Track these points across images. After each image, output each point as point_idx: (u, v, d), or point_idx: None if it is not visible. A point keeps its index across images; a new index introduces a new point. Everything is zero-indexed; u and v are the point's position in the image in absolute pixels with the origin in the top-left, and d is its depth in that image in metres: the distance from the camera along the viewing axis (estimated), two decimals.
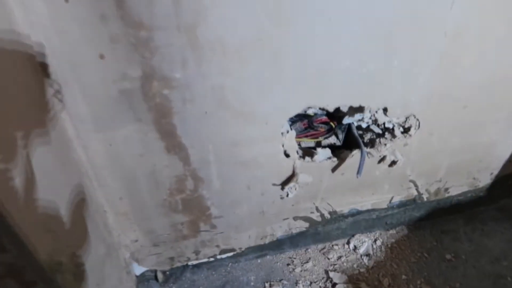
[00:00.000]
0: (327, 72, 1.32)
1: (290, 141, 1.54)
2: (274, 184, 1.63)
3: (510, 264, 1.83)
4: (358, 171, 1.51)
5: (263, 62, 1.24)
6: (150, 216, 1.60)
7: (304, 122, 1.71)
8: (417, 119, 1.57)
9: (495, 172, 1.95)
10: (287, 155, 1.55)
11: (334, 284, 1.80)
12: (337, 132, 1.77)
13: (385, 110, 1.51)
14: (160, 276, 1.87)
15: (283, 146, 1.53)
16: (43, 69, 1.11)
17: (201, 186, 1.54)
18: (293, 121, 1.73)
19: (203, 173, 1.50)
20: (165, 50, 1.15)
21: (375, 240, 2.00)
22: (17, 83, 0.99)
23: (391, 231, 2.05)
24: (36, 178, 0.99)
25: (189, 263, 1.87)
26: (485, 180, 1.98)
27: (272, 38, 1.19)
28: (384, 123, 1.60)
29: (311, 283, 1.83)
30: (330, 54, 1.28)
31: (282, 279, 1.85)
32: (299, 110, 1.41)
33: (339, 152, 1.68)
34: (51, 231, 1.04)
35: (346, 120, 1.62)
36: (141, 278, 1.86)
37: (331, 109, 1.45)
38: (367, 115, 1.53)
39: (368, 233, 2.03)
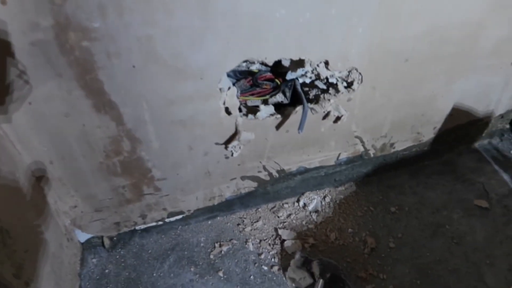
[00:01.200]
0: (262, 21, 1.26)
1: (232, 98, 1.49)
2: (217, 143, 1.59)
3: (449, 213, 1.92)
4: (300, 127, 1.49)
5: (191, 10, 1.16)
6: (87, 180, 1.53)
7: (248, 79, 1.66)
8: (359, 73, 1.56)
9: (438, 126, 2.00)
10: (229, 113, 1.51)
11: (283, 241, 1.83)
12: (284, 90, 1.73)
13: (326, 63, 1.48)
14: (107, 242, 1.82)
15: (224, 103, 1.47)
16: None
17: (139, 147, 1.48)
18: (237, 78, 1.67)
19: (139, 133, 1.43)
20: None
21: (324, 197, 2.03)
22: None
23: (339, 188, 2.09)
24: None
25: (137, 227, 1.84)
26: (428, 134, 2.03)
27: None
28: (327, 78, 1.57)
29: (260, 241, 1.85)
30: (264, 1, 1.21)
31: (232, 239, 1.86)
32: (235, 63, 1.35)
33: (284, 109, 1.65)
34: None
35: (289, 76, 1.59)
36: (87, 245, 1.82)
37: (270, 62, 1.40)
38: (308, 68, 1.50)
39: (317, 190, 2.06)
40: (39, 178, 1.42)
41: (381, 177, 2.13)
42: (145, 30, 1.17)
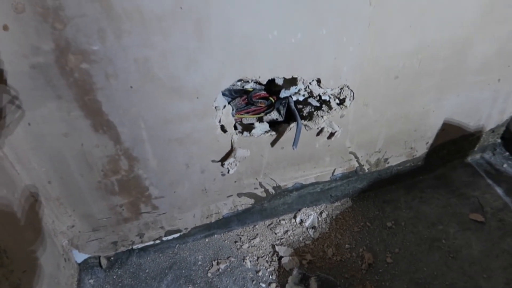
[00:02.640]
0: (255, 42, 1.31)
1: (227, 116, 1.52)
2: (213, 161, 1.61)
3: (445, 227, 1.94)
4: (294, 143, 1.52)
5: (187, 32, 1.21)
6: (85, 199, 1.54)
7: (243, 98, 1.70)
8: (351, 90, 1.60)
9: (430, 141, 2.04)
10: (224, 131, 1.54)
11: (280, 258, 1.83)
12: (279, 108, 1.77)
13: (318, 81, 1.53)
14: (104, 262, 1.82)
15: (220, 121, 1.51)
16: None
17: (137, 166, 1.50)
18: (233, 97, 1.71)
19: (137, 152, 1.46)
20: (78, 20, 1.09)
21: (321, 213, 2.05)
22: None
23: (336, 203, 2.10)
24: None
25: (135, 246, 1.84)
26: (421, 149, 2.06)
27: (192, 7, 1.16)
28: (319, 95, 1.61)
29: (258, 258, 1.85)
30: (256, 24, 1.27)
31: (229, 256, 1.86)
32: (230, 82, 1.39)
33: (279, 126, 1.68)
34: None
35: (283, 94, 1.63)
36: (84, 266, 1.81)
37: (263, 81, 1.44)
38: (301, 86, 1.54)
39: (314, 206, 2.07)
40: (35, 198, 1.43)
41: (377, 192, 2.15)
42: (143, 52, 1.21)
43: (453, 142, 2.14)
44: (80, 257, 1.77)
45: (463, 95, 1.89)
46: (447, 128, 2.01)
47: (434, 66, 1.68)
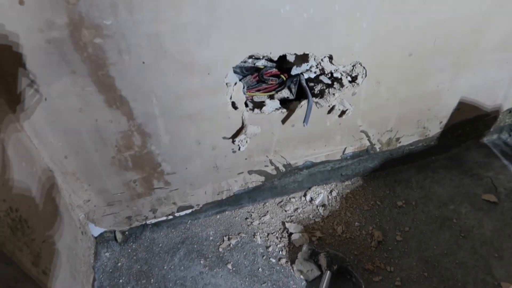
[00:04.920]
0: (267, 17, 1.30)
1: (238, 93, 1.53)
2: (224, 138, 1.63)
3: (456, 207, 1.93)
4: (305, 119, 1.52)
5: (198, 6, 1.20)
6: (100, 174, 1.58)
7: (254, 76, 1.70)
8: (364, 67, 1.58)
9: (444, 121, 2.01)
10: (235, 107, 1.55)
11: (290, 234, 1.86)
12: (290, 86, 1.76)
13: (330, 58, 1.51)
14: (119, 236, 1.88)
15: (230, 98, 1.51)
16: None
17: (149, 142, 1.53)
18: (244, 75, 1.71)
19: (149, 128, 1.48)
20: None
21: (331, 191, 2.06)
22: None
23: (346, 182, 2.11)
24: None
25: (148, 222, 1.89)
26: (434, 129, 2.04)
27: None
28: (331, 72, 1.60)
29: (268, 234, 1.88)
30: None
31: (240, 232, 1.90)
32: (241, 58, 1.39)
33: (290, 103, 1.68)
34: None
35: (294, 71, 1.62)
36: (100, 239, 1.87)
37: (274, 57, 1.43)
38: (312, 63, 1.53)
39: (324, 185, 2.09)
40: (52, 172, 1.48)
41: (388, 171, 2.15)
42: (154, 27, 1.22)
43: (468, 122, 2.10)
44: (96, 230, 1.83)
45: (480, 74, 1.85)
46: (462, 107, 1.97)
47: (450, 43, 1.64)
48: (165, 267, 1.78)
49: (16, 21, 1.09)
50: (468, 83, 1.86)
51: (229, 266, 1.75)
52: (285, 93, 1.74)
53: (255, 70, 1.69)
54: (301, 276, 1.69)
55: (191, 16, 1.22)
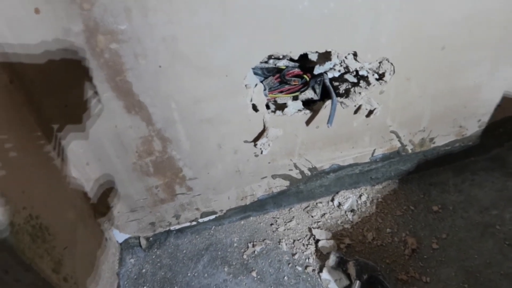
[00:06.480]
0: (285, 14, 1.24)
1: (259, 95, 1.48)
2: (246, 141, 1.58)
3: (500, 212, 1.77)
4: (329, 120, 1.44)
5: (212, 7, 1.17)
6: (122, 180, 1.58)
7: (276, 77, 1.65)
8: (391, 63, 1.48)
9: (483, 119, 1.85)
10: (256, 110, 1.50)
11: (317, 241, 1.78)
12: (314, 87, 1.69)
13: (354, 54, 1.43)
14: (143, 242, 1.87)
15: (251, 100, 1.47)
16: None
17: (170, 147, 1.51)
18: (266, 76, 1.66)
19: (169, 133, 1.46)
20: (104, 0, 1.09)
21: (360, 196, 1.95)
22: None
23: (377, 186, 2.00)
24: None
25: (172, 228, 1.87)
26: (472, 128, 1.88)
27: None
28: (356, 70, 1.51)
29: (294, 241, 1.81)
30: None
31: (265, 239, 1.84)
32: (260, 58, 1.34)
33: (313, 104, 1.61)
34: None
35: (317, 70, 1.55)
36: (125, 246, 1.87)
37: (295, 56, 1.37)
38: (335, 61, 1.45)
39: (353, 189, 1.98)
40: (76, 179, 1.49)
41: (422, 174, 2.01)
42: (169, 30, 1.20)
43: (511, 120, 1.93)
44: (121, 237, 1.83)
45: None
46: (505, 103, 1.81)
47: (487, 34, 1.51)
48: (189, 274, 1.75)
49: (33, 29, 1.10)
50: (509, 76, 1.70)
51: (254, 274, 1.69)
52: (309, 94, 1.68)
53: (277, 71, 1.64)
54: (329, 286, 1.60)
55: (205, 16, 1.19)
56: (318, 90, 1.68)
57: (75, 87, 1.25)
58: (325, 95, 1.63)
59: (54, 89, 1.24)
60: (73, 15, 1.10)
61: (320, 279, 1.63)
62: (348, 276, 1.59)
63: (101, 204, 1.63)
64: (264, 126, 1.53)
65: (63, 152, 1.40)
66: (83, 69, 1.21)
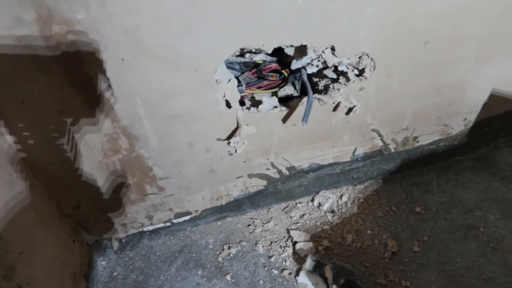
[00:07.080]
0: (256, 4, 1.16)
1: (232, 90, 1.40)
2: (218, 139, 1.50)
3: (484, 214, 1.72)
4: (304, 118, 1.37)
5: None
6: (88, 180, 1.50)
7: (253, 71, 1.57)
8: (371, 59, 1.41)
9: (470, 118, 1.80)
10: (229, 106, 1.42)
11: (295, 243, 1.71)
12: (294, 82, 1.62)
13: (332, 49, 1.35)
14: (115, 244, 1.79)
15: (224, 96, 1.39)
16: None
17: (137, 145, 1.43)
18: (242, 71, 1.58)
19: (136, 130, 1.38)
20: None
21: (341, 196, 1.89)
22: None
23: (358, 186, 1.94)
24: None
25: (145, 229, 1.80)
26: (458, 127, 1.82)
27: None
28: (335, 66, 1.44)
29: (271, 242, 1.74)
30: None
31: (241, 241, 1.77)
32: (230, 52, 1.26)
33: (290, 101, 1.54)
34: None
35: (294, 65, 1.47)
36: (97, 247, 1.79)
37: (268, 49, 1.29)
38: (312, 55, 1.37)
39: (333, 189, 1.92)
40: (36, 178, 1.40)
41: (405, 174, 1.95)
42: (131, 20, 1.11)
43: (498, 118, 1.87)
44: (91, 238, 1.75)
45: (510, 63, 1.63)
46: (491, 101, 1.75)
47: (473, 29, 1.45)
48: (161, 278, 1.68)
49: None
50: (495, 74, 1.64)
51: (228, 277, 1.62)
52: (288, 90, 1.60)
53: (254, 66, 1.56)
54: None
55: (172, 6, 1.10)
56: (298, 86, 1.60)
57: (31, 83, 1.16)
58: (303, 91, 1.56)
59: (8, 84, 1.15)
60: (24, 2, 1.01)
61: (297, 283, 1.57)
62: (325, 280, 1.53)
63: (66, 205, 1.54)
64: (238, 123, 1.46)
65: None
66: (40, 63, 1.12)
